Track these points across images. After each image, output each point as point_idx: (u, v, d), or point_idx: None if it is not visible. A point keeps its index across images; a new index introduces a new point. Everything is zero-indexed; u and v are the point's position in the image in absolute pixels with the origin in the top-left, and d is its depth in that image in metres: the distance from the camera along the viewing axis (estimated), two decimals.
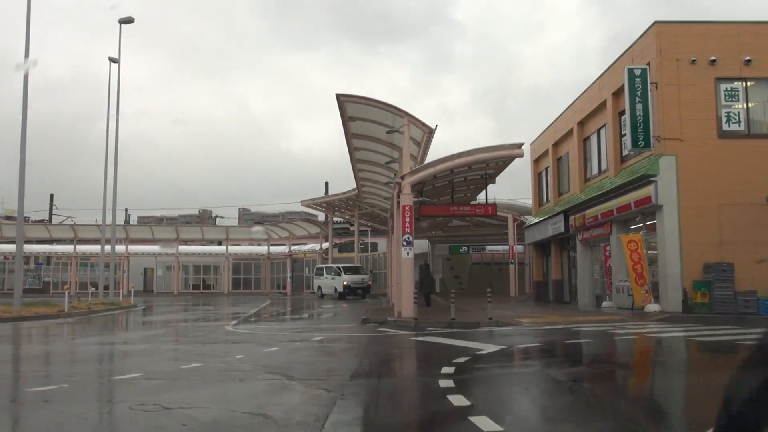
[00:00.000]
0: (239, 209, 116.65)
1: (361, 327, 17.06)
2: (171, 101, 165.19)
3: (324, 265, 42.18)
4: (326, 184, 59.19)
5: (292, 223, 50.30)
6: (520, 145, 18.49)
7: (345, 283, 38.66)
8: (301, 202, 46.20)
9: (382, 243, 53.44)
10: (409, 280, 17.79)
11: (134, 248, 49.67)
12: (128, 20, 31.48)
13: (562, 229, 27.32)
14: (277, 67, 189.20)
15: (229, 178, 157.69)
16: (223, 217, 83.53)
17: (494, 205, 21.15)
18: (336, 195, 42.21)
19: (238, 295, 46.92)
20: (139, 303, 31.81)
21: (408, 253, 17.85)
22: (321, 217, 52.14)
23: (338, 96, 18.45)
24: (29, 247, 49.55)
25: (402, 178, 18.29)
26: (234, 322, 19.03)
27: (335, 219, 47.84)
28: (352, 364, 9.73)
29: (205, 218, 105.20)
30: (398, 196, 18.35)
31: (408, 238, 17.87)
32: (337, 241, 49.41)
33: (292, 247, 50.62)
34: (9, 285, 41.29)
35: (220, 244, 54.50)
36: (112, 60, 32.84)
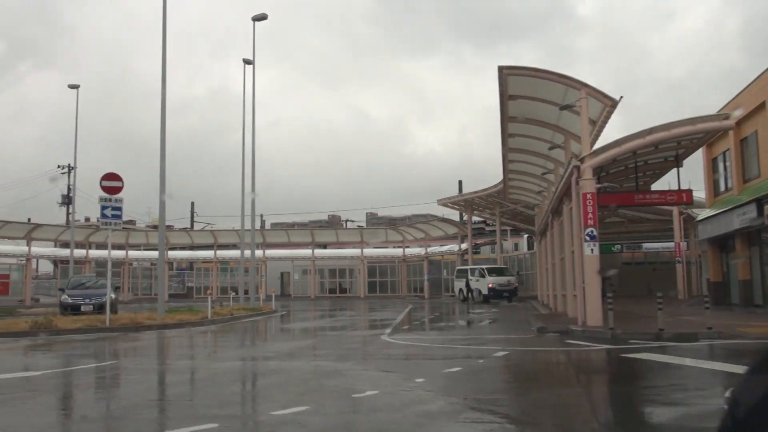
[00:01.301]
0: (366, 213, 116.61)
1: (540, 338, 14.36)
2: (295, 111, 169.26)
3: (467, 267, 39.60)
4: (460, 183, 56.55)
5: (428, 223, 48.11)
6: (727, 116, 15.07)
7: (489, 285, 35.85)
8: (438, 201, 43.99)
9: (521, 243, 50.25)
10: (594, 282, 14.87)
11: (271, 252, 49.55)
12: (262, 17, 30.60)
13: (755, 221, 23.08)
14: (394, 73, 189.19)
15: (354, 183, 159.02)
16: (353, 221, 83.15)
17: (689, 191, 17.70)
18: (475, 192, 39.54)
19: (374, 299, 45.36)
20: (278, 308, 30.80)
21: (592, 250, 14.93)
22: (450, 215, 49.87)
23: (501, 69, 15.88)
24: (174, 254, 50.80)
25: (581, 160, 15.40)
26: (387, 330, 16.93)
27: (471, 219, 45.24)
28: (579, 399, 7.13)
29: (334, 223, 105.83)
30: (577, 183, 15.48)
31: (591, 231, 14.95)
32: (476, 242, 46.70)
33: (429, 249, 48.45)
34: (156, 290, 42.05)
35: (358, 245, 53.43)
36: (246, 62, 32.18)
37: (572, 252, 17.88)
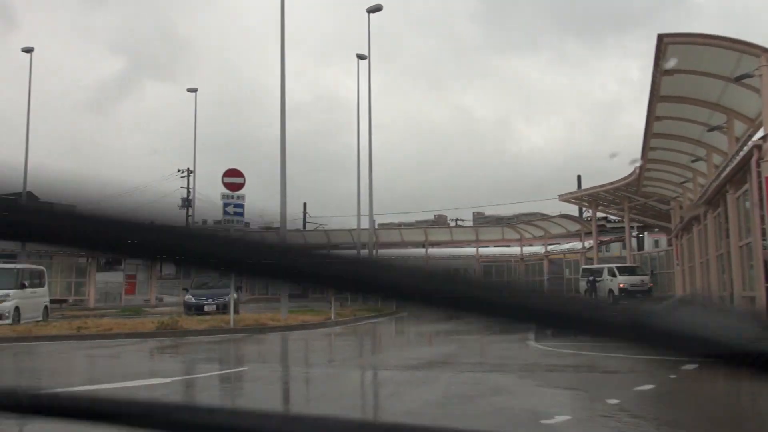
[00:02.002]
0: (473, 213, 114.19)
1: None
2: (399, 111, 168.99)
3: (594, 266, 36.97)
4: (578, 177, 53.61)
5: (548, 220, 45.64)
6: None
7: (621, 285, 33.15)
8: (559, 197, 41.45)
9: (649, 240, 46.76)
10: None
11: (383, 252, 48.76)
12: (377, 8, 29.67)
13: None
14: (497, 71, 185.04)
15: (458, 183, 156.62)
16: (462, 220, 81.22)
17: None
18: (601, 186, 36.82)
19: None
20: (399, 309, 29.70)
21: None
22: (568, 211, 47.10)
23: (661, 37, 13.85)
24: None
25: (764, 138, 13.11)
26: (531, 335, 15.26)
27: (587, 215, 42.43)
28: None
29: (440, 223, 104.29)
30: (758, 165, 13.18)
31: None
32: (602, 239, 43.80)
33: (549, 247, 45.98)
34: (274, 290, 42.14)
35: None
36: (360, 57, 31.42)
37: (742, 247, 15.52)
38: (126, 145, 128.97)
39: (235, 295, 23.22)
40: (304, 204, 64.23)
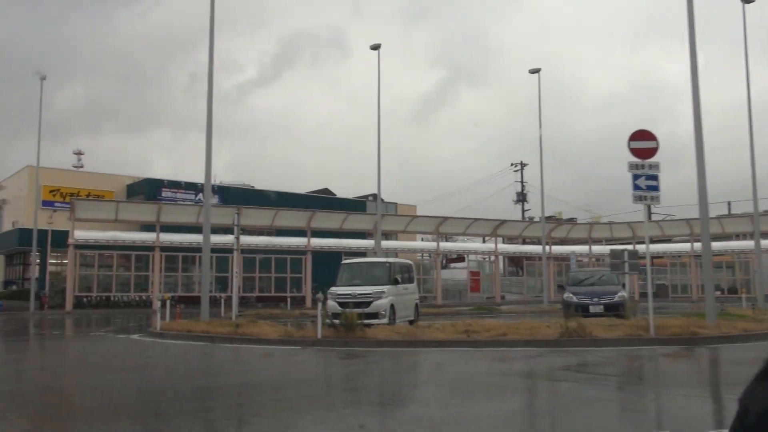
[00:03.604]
0: None
1: None
2: (726, 92, 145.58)
3: None
4: None
5: None
6: None
7: None
8: None
9: None
10: None
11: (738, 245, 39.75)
12: None
13: None
14: None
15: None
16: None
17: None
18: None
19: None
20: None
21: None
22: None
23: None
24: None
25: None
26: None
27: None
28: None
29: None
30: None
31: None
32: None
33: None
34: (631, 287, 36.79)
35: None
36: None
37: None
38: (445, 151, 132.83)
39: (623, 294, 19.04)
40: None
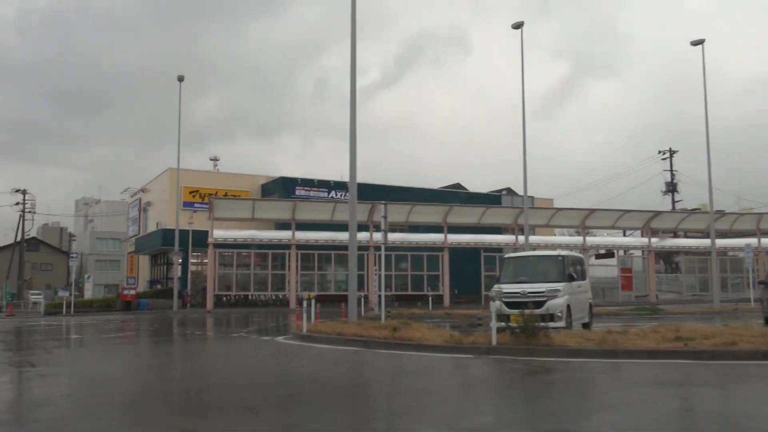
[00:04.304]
0: None
1: None
2: None
3: None
4: None
5: None
6: None
7: None
8: None
9: None
10: None
11: None
12: None
13: None
14: None
15: None
16: None
17: None
18: None
19: None
20: None
21: None
22: None
23: None
24: None
25: None
26: None
27: None
28: None
29: None
30: None
31: None
32: None
33: None
34: None
35: None
36: None
37: None
38: (575, 144, 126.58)
39: None
40: None
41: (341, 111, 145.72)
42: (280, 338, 15.20)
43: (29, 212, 53.20)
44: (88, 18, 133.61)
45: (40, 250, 72.29)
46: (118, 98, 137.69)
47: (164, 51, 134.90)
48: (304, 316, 14.53)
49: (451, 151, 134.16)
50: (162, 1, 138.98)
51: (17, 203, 52.70)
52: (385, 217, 16.67)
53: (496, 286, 14.02)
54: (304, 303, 14.79)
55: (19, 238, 53.91)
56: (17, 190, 52.64)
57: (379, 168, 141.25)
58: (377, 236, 33.41)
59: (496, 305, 13.26)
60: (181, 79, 35.04)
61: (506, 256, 14.78)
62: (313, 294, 15.26)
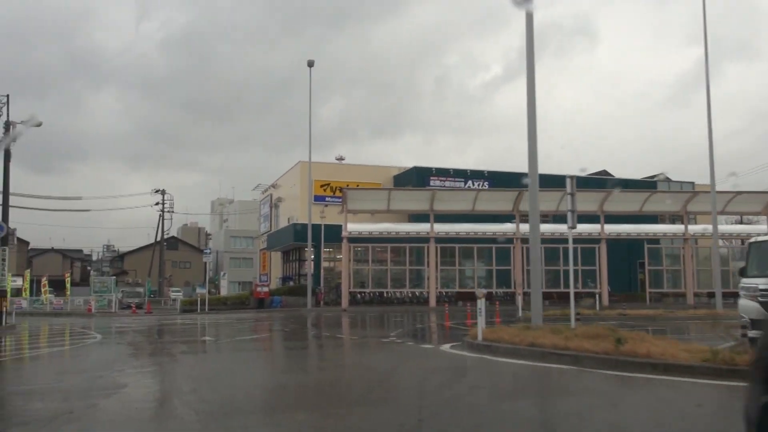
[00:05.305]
0: None
1: None
2: None
3: None
4: None
5: None
6: None
7: None
8: None
9: None
10: None
11: None
12: None
13: None
14: None
15: None
16: None
17: None
18: None
19: None
20: None
21: None
22: None
23: None
24: None
25: None
26: None
27: None
28: None
29: None
30: None
31: None
32: None
33: None
34: None
35: None
36: None
37: None
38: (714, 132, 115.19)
39: None
40: None
41: (462, 108, 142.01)
42: (445, 347, 12.21)
43: (168, 212, 54.10)
44: (220, 30, 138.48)
45: (179, 249, 74.71)
46: (249, 105, 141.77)
47: (290, 58, 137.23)
48: (480, 319, 11.44)
49: (580, 141, 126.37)
50: (289, 11, 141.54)
51: (157, 203, 53.80)
52: (573, 194, 13.27)
53: (744, 280, 10.24)
54: (479, 303, 11.67)
55: (159, 237, 55.05)
56: (157, 191, 53.73)
57: (509, 160, 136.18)
58: (524, 228, 30.06)
59: (745, 306, 9.62)
60: (311, 64, 33.28)
61: (752, 240, 10.91)
62: (483, 292, 12.10)
